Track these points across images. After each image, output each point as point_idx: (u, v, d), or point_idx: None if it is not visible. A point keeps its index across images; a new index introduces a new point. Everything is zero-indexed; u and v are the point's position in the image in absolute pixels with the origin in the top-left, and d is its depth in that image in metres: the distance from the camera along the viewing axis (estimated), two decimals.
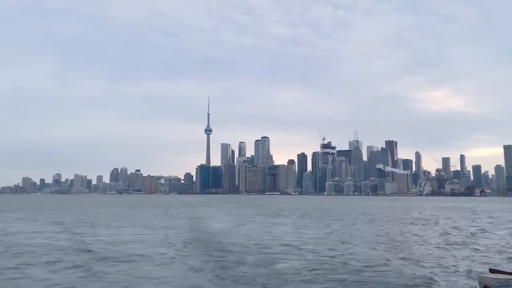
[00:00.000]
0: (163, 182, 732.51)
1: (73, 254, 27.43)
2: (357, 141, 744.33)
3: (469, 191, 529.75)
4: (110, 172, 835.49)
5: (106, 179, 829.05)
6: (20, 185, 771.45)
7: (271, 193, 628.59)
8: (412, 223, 55.93)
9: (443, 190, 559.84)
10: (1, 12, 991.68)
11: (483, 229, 45.93)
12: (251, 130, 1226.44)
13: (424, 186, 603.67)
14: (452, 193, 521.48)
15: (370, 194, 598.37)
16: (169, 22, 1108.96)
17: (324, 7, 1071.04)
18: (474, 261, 25.05)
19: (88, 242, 33.39)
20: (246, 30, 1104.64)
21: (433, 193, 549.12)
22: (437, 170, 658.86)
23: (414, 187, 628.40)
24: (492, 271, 10.77)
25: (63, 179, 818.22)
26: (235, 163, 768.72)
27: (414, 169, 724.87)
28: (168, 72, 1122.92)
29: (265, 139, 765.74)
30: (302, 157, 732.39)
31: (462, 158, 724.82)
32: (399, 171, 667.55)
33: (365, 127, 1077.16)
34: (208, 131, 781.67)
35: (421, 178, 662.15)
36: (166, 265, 23.81)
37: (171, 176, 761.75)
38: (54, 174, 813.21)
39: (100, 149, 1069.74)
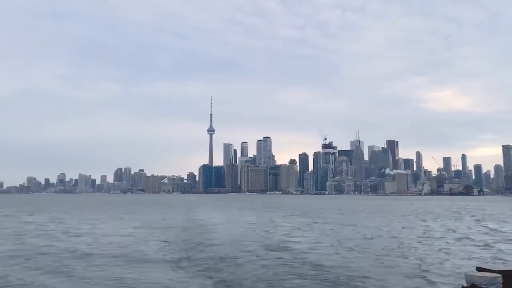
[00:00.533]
0: (166, 181, 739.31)
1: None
2: (359, 141, 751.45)
3: (467, 191, 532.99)
4: (114, 171, 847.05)
5: (110, 179, 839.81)
6: (25, 184, 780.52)
7: (272, 192, 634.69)
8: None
9: (442, 190, 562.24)
10: (16, 15, 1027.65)
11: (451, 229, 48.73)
12: (253, 130, 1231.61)
13: (423, 185, 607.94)
14: (451, 193, 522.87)
15: (370, 193, 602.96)
16: (179, 24, 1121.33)
17: (332, 9, 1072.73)
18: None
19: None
20: (255, 32, 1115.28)
21: (432, 193, 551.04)
22: (438, 170, 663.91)
23: (414, 186, 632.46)
24: (479, 269, 10.66)
25: (67, 179, 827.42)
26: (237, 163, 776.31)
27: (415, 168, 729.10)
28: (175, 74, 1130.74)
29: (267, 139, 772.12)
30: (303, 157, 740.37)
31: (463, 157, 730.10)
32: (400, 171, 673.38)
33: (368, 127, 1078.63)
34: (211, 131, 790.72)
35: (422, 177, 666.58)
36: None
37: (174, 175, 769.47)
38: (58, 174, 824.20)
39: (104, 149, 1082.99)
